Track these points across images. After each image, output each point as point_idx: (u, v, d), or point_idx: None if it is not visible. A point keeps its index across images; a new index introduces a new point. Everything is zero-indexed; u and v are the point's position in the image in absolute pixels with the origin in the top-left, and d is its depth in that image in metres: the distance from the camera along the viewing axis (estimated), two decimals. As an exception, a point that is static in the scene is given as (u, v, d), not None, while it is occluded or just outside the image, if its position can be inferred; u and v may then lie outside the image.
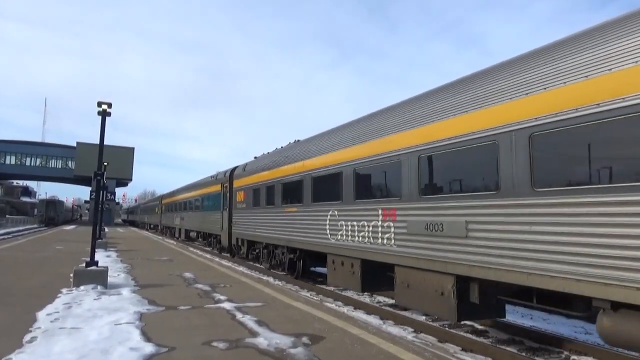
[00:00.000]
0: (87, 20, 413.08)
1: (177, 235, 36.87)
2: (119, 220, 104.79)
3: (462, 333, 8.36)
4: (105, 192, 26.31)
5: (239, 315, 7.67)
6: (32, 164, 72.30)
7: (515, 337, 8.12)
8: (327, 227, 11.19)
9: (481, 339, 8.04)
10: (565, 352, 7.35)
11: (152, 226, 56.77)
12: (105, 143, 11.65)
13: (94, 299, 8.82)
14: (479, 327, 8.96)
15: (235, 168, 21.76)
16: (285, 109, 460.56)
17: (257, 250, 18.06)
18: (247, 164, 20.22)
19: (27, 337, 6.01)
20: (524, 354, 7.24)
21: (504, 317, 7.80)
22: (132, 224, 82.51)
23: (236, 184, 20.60)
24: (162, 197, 45.74)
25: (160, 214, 45.97)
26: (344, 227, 10.40)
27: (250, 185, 18.27)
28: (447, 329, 8.62)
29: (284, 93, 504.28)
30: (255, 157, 20.22)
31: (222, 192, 22.90)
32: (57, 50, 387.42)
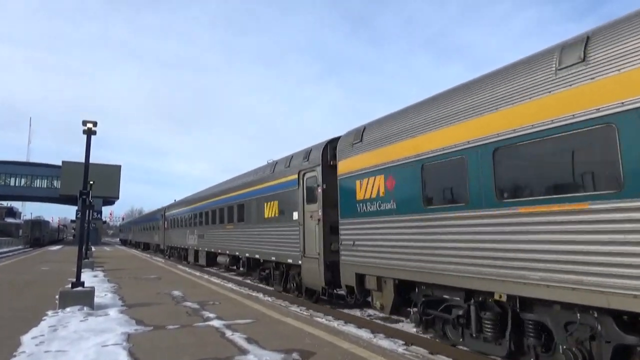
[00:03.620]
0: (69, 37, 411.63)
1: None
2: (116, 240, 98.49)
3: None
4: (91, 211, 26.00)
5: (228, 333, 7.59)
6: (16, 184, 71.43)
7: (505, 347, 8.13)
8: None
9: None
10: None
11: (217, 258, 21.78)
12: (91, 161, 11.58)
13: (80, 321, 8.67)
14: (470, 337, 8.96)
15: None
16: (272, 123, 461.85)
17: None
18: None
19: (11, 362, 5.89)
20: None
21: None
22: (141, 247, 54.70)
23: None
24: (278, 164, 14.78)
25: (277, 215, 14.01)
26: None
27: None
28: (438, 340, 8.61)
29: (270, 107, 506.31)
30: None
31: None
32: (40, 68, 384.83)
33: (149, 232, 47.93)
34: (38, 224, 65.70)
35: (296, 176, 12.87)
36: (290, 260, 13.00)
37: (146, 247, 51.63)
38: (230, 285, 16.79)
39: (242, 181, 18.25)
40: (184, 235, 28.37)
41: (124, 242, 78.07)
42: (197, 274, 20.50)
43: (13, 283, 15.08)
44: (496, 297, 6.47)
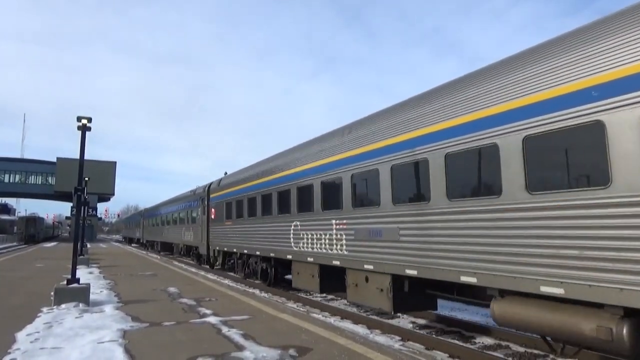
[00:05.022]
0: (62, 32, 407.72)
1: None
2: (112, 237, 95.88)
3: (449, 340, 8.39)
4: (86, 208, 25.86)
5: (224, 329, 7.58)
6: (10, 181, 70.86)
7: (501, 342, 8.18)
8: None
9: (468, 345, 8.08)
10: (552, 356, 7.42)
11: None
12: (86, 158, 11.49)
13: (76, 317, 8.63)
14: (466, 333, 9.01)
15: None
16: (268, 120, 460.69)
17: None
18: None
19: (6, 359, 5.84)
20: (510, 359, 7.30)
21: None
22: (157, 247, 39.95)
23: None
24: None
25: None
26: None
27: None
28: (434, 336, 8.64)
29: (265, 103, 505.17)
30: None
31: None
32: (35, 64, 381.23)
33: (173, 228, 31.42)
34: (33, 221, 65.23)
35: None
36: None
37: (167, 249, 35.54)
38: (227, 282, 16.75)
39: None
40: (282, 232, 13.37)
41: (129, 242, 64.93)
42: (193, 270, 20.45)
43: (8, 280, 14.99)
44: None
